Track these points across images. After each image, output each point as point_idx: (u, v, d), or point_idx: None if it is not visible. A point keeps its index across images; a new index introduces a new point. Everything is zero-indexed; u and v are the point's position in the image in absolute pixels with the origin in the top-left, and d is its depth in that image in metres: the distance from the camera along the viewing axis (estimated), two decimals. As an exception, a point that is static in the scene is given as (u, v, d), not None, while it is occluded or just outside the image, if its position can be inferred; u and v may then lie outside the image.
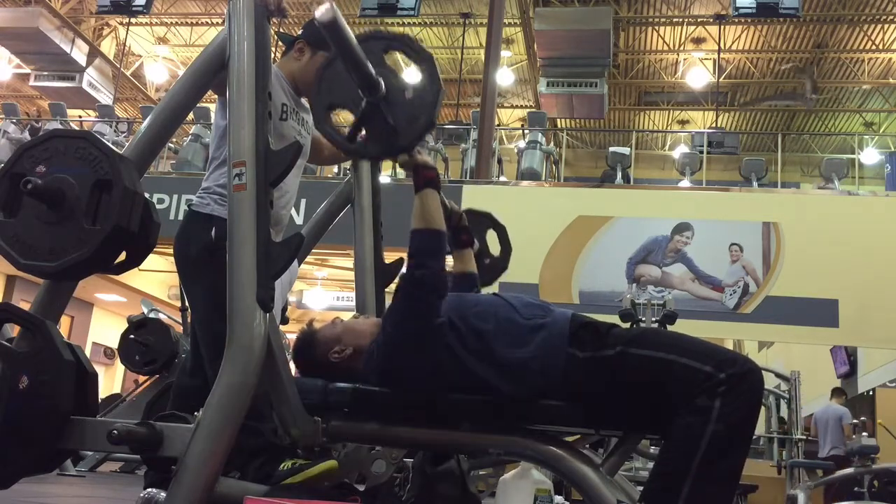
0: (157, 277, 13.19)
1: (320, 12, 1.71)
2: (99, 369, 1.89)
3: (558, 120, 14.20)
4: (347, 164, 2.92)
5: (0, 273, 12.71)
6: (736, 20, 12.11)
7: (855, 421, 5.90)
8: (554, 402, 1.73)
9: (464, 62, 13.62)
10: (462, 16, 13.13)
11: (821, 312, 7.79)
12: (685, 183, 10.32)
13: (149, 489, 2.01)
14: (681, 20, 13.00)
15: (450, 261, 2.00)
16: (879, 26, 12.54)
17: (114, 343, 8.01)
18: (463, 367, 1.75)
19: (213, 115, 3.23)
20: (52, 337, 1.64)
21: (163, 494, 1.80)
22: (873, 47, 12.96)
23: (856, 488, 5.89)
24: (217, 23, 13.85)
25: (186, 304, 5.31)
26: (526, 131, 10.99)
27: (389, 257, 2.75)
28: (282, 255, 1.74)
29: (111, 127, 11.35)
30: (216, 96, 2.30)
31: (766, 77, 14.10)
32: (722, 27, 12.66)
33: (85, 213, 1.65)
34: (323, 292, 14.63)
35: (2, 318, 1.73)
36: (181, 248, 2.40)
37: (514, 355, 1.74)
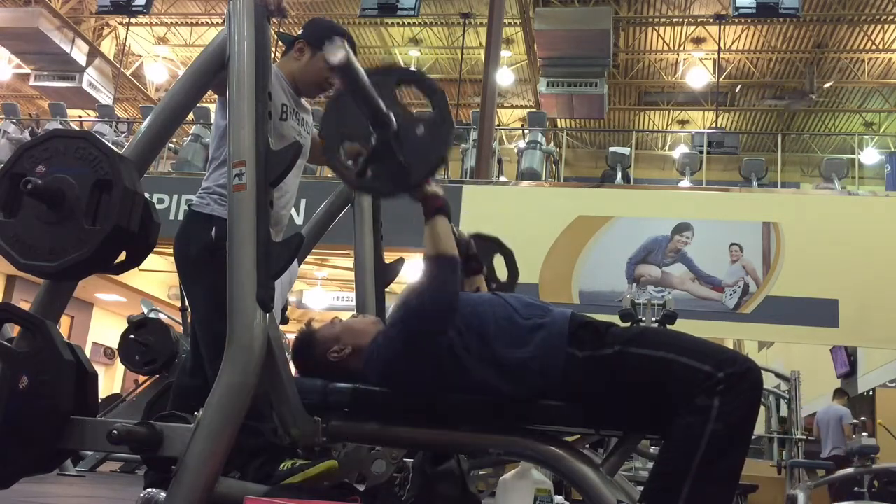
0: (157, 277, 13.18)
1: (333, 55, 1.69)
2: (99, 369, 1.89)
3: (558, 120, 14.20)
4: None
5: (0, 273, 12.71)
6: (736, 20, 12.10)
7: (855, 421, 5.90)
8: (554, 402, 1.73)
9: (464, 62, 13.61)
10: (462, 16, 13.12)
11: (821, 312, 7.78)
12: (685, 183, 10.32)
13: (149, 489, 2.01)
14: (681, 20, 13.00)
15: None
16: (879, 26, 12.54)
17: (114, 343, 8.01)
18: (463, 368, 1.75)
19: (213, 115, 3.23)
20: (52, 337, 1.64)
21: (163, 494, 1.80)
22: (873, 47, 12.96)
23: (856, 488, 5.89)
24: (217, 23, 13.84)
25: (186, 304, 5.31)
26: (526, 131, 10.99)
27: (389, 257, 2.75)
28: (282, 255, 1.74)
29: (111, 127, 11.35)
30: (216, 96, 2.31)
31: (766, 77, 14.10)
32: (722, 27, 12.65)
33: (85, 213, 1.65)
34: (323, 292, 14.62)
35: (2, 318, 1.73)
36: (181, 248, 2.40)
37: (514, 355, 1.74)
